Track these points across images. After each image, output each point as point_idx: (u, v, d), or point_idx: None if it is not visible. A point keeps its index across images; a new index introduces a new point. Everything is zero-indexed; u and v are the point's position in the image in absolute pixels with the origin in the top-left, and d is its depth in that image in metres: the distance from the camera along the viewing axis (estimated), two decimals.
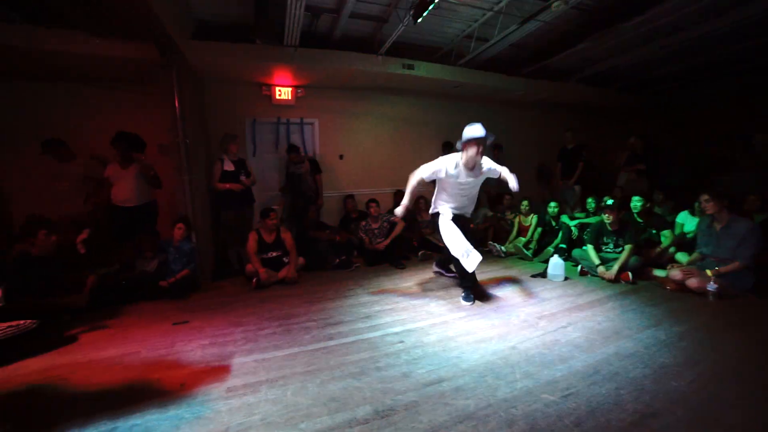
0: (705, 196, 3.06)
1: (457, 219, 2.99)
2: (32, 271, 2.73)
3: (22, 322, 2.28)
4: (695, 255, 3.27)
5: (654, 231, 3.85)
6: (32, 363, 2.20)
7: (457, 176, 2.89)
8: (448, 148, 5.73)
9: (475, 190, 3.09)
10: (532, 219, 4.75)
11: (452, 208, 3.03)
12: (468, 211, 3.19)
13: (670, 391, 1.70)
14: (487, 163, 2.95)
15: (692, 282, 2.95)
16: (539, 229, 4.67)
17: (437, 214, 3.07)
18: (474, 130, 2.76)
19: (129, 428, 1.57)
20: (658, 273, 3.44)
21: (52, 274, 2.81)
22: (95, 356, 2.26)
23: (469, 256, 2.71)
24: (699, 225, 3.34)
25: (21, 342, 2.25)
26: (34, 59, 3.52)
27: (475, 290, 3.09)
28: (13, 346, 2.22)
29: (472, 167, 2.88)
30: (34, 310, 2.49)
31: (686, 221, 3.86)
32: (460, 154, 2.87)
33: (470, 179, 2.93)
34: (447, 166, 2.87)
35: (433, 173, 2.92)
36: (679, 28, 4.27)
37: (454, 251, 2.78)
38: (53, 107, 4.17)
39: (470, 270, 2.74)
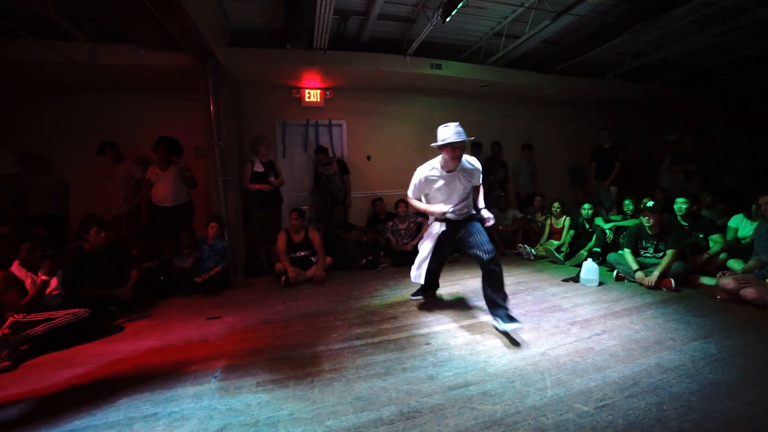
0: (765, 198, 2.80)
1: (460, 226, 2.61)
2: (85, 264, 2.96)
3: (77, 310, 2.50)
4: (752, 262, 3.00)
5: (701, 235, 3.58)
6: (87, 348, 2.41)
7: (439, 180, 2.53)
8: (477, 148, 5.63)
9: (466, 192, 2.63)
10: (565, 221, 4.56)
11: (449, 213, 2.59)
12: (465, 212, 2.66)
13: (724, 412, 1.56)
14: (472, 164, 2.59)
15: (749, 292, 2.69)
16: (572, 232, 4.48)
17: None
18: (445, 133, 2.39)
19: (168, 415, 1.67)
20: (706, 281, 3.18)
21: (102, 268, 3.03)
22: (139, 346, 2.41)
23: (415, 273, 2.73)
24: (757, 229, 3.06)
25: (77, 329, 2.47)
26: (93, 72, 3.86)
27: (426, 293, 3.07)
28: (72, 332, 2.45)
29: (451, 170, 2.52)
30: (86, 300, 2.71)
31: (740, 225, 3.55)
32: (439, 157, 2.55)
33: (456, 183, 2.54)
34: (425, 174, 2.56)
35: (417, 189, 2.63)
36: (742, 11, 3.85)
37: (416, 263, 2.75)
38: (105, 115, 4.54)
39: (413, 278, 2.75)
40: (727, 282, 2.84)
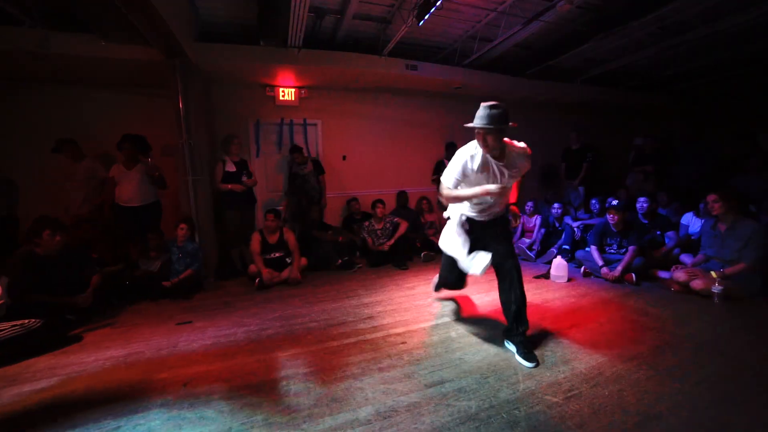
0: (713, 197, 3.03)
1: (484, 228, 2.25)
2: (36, 270, 2.74)
3: (26, 321, 2.31)
4: (700, 256, 3.24)
5: (658, 232, 3.82)
6: (38, 362, 2.22)
7: (481, 168, 2.05)
8: (451, 149, 5.73)
9: (508, 187, 2.19)
10: (536, 220, 4.73)
11: (473, 211, 2.24)
12: (495, 211, 2.26)
13: (674, 394, 1.69)
14: (521, 156, 2.12)
15: (697, 283, 2.92)
16: (542, 230, 4.66)
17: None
18: (477, 116, 1.95)
19: (133, 428, 1.58)
20: (663, 274, 3.42)
21: (57, 274, 2.83)
22: (99, 356, 2.28)
23: (473, 259, 2.11)
24: (703, 226, 3.31)
25: (26, 341, 2.28)
26: (47, 63, 3.57)
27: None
28: (20, 345, 2.25)
29: (498, 156, 2.04)
30: (38, 309, 2.52)
31: (691, 222, 3.83)
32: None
33: (503, 171, 2.06)
34: (467, 160, 2.06)
35: (456, 180, 2.09)
36: (690, 27, 4.21)
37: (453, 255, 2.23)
38: (64, 109, 4.25)
39: (475, 271, 2.08)
40: (679, 275, 3.07)
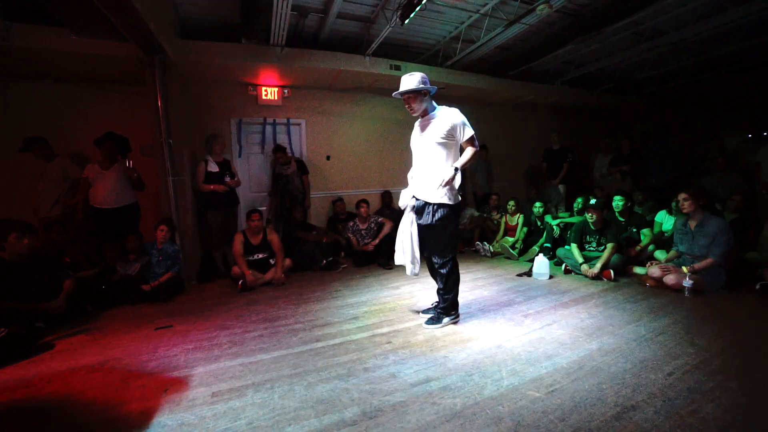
0: (683, 195, 3.16)
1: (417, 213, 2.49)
2: (2, 276, 2.59)
3: None
4: (672, 253, 3.38)
5: (634, 230, 3.97)
6: (3, 373, 2.10)
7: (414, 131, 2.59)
8: None
9: (430, 153, 2.41)
10: (519, 219, 4.82)
11: (414, 186, 2.53)
12: (422, 188, 2.44)
13: (649, 385, 1.76)
14: (445, 118, 2.42)
15: (669, 279, 3.05)
16: (525, 229, 4.75)
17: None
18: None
19: None
20: (638, 270, 3.54)
21: (26, 279, 2.70)
22: (73, 364, 2.18)
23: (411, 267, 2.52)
24: (675, 224, 3.46)
25: None
26: (13, 57, 3.40)
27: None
28: None
29: (420, 118, 2.55)
30: (3, 317, 2.38)
31: (664, 220, 3.99)
32: None
33: (421, 133, 2.49)
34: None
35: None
36: (661, 33, 4.41)
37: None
38: (34, 106, 4.05)
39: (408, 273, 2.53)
40: (654, 271, 3.20)
